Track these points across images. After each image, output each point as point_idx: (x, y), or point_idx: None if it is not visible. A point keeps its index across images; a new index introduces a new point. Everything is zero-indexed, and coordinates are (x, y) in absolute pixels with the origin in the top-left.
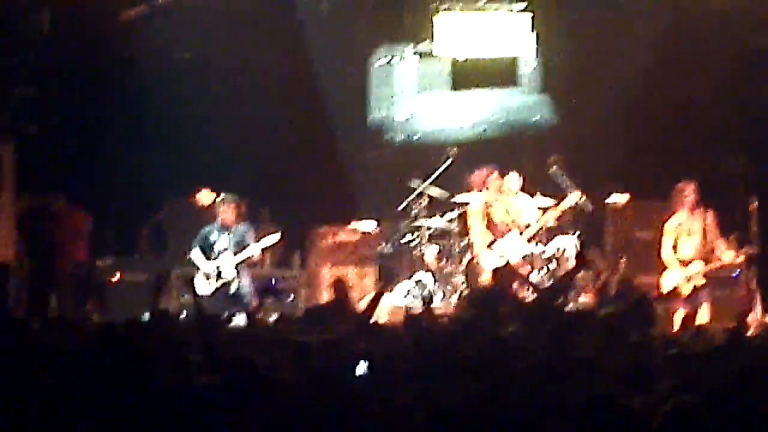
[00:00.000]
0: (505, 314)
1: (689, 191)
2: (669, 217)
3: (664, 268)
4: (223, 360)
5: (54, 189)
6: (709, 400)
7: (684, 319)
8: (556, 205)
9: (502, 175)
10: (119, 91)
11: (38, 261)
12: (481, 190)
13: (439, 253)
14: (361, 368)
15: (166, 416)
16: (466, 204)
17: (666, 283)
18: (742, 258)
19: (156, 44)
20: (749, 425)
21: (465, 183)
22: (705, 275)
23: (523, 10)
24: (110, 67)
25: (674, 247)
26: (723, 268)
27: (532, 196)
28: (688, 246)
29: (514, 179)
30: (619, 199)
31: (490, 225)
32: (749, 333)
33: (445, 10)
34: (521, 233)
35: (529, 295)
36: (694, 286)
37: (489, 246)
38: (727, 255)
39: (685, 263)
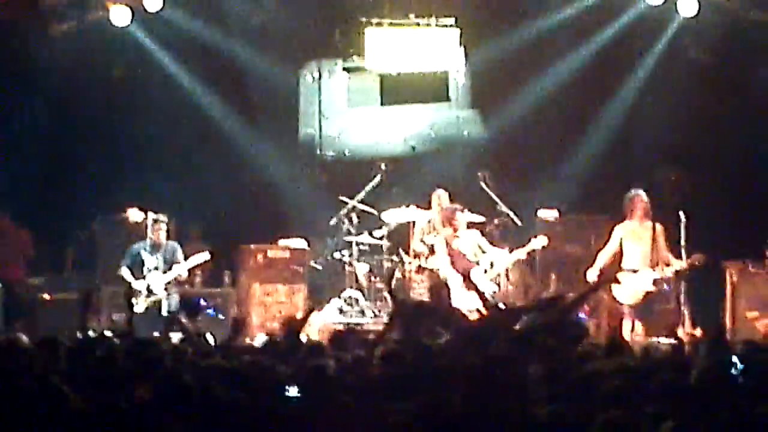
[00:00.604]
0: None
1: (640, 200)
2: (615, 225)
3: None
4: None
5: None
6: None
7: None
8: (522, 246)
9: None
10: (51, 107)
11: None
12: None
13: (369, 270)
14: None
15: None
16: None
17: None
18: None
19: (86, 60)
20: None
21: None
22: (655, 283)
23: (452, 26)
24: (41, 82)
25: (618, 256)
26: (676, 275)
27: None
28: (635, 254)
29: (443, 195)
30: (548, 214)
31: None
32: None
33: (375, 25)
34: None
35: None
36: (645, 294)
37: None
38: (676, 263)
39: (632, 272)
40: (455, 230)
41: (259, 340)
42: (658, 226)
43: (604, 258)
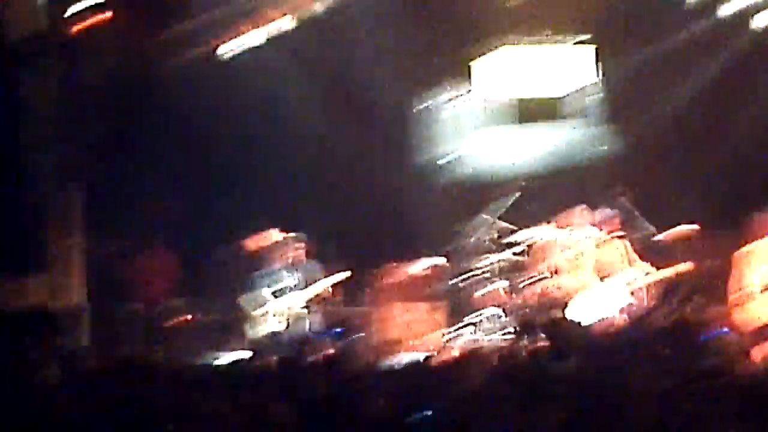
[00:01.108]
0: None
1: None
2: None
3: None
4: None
5: (140, 228)
6: None
7: None
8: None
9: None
10: (191, 133)
11: (113, 302)
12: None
13: (509, 287)
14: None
15: None
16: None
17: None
18: None
19: (202, 91)
20: None
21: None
22: None
23: (586, 42)
24: (172, 111)
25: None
26: None
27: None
28: (759, 277)
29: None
30: (687, 229)
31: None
32: None
33: (509, 44)
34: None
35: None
36: None
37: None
38: None
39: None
40: (609, 233)
41: (402, 359)
42: None
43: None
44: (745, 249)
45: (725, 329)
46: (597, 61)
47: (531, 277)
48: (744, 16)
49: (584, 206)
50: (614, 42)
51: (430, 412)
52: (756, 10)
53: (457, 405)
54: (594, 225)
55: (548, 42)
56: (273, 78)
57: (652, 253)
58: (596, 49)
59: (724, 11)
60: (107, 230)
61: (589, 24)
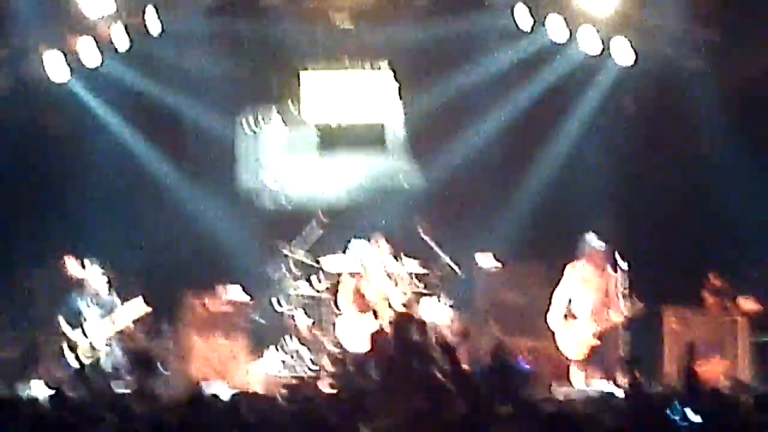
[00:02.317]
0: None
1: (597, 248)
2: (566, 264)
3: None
4: None
5: None
6: None
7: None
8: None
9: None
10: None
11: None
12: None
13: (312, 321)
14: None
15: None
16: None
17: (562, 342)
18: (622, 318)
19: (24, 114)
20: None
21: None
22: (599, 336)
23: (385, 68)
24: None
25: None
26: (611, 327)
27: (398, 260)
28: (585, 302)
29: (383, 245)
30: (487, 261)
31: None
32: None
33: (310, 69)
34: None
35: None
36: (590, 348)
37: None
38: (615, 315)
39: (576, 319)
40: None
41: (210, 389)
42: (613, 275)
43: (560, 299)
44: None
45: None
46: (400, 93)
47: (332, 312)
48: (547, 51)
49: (382, 237)
50: (414, 74)
51: None
52: (560, 44)
53: None
54: (392, 255)
55: (347, 68)
56: (85, 104)
57: (453, 287)
58: (399, 84)
59: (530, 44)
60: None
61: (393, 56)
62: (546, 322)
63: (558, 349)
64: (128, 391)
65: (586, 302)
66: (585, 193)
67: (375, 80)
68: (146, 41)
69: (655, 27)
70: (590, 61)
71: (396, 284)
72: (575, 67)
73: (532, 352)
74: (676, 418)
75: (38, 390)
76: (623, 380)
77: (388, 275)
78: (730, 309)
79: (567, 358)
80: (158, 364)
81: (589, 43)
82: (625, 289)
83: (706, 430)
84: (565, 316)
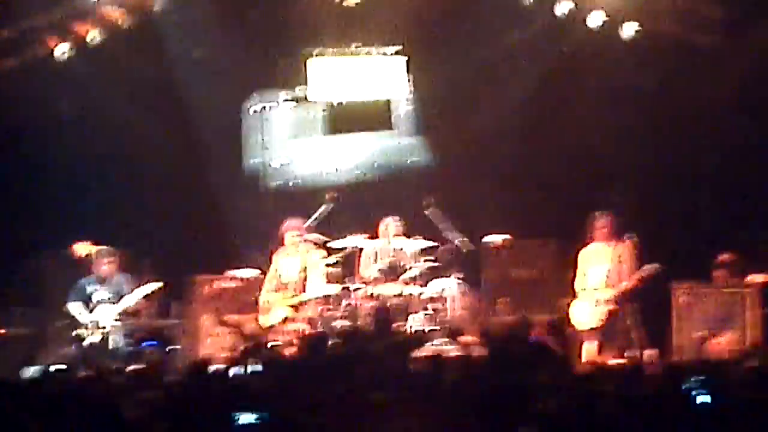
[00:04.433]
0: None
1: (602, 221)
2: (582, 248)
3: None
4: None
5: None
6: None
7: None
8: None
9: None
10: None
11: None
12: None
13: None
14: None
15: None
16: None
17: (576, 314)
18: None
19: (31, 96)
20: None
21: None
22: (613, 302)
23: (397, 54)
24: None
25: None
26: (624, 292)
27: (408, 238)
28: (597, 275)
29: (392, 223)
30: (496, 238)
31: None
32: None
33: (317, 55)
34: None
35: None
36: (607, 314)
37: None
38: (628, 282)
39: (588, 290)
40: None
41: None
42: (624, 246)
43: (576, 275)
44: (584, 250)
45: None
46: (408, 71)
47: (345, 288)
48: (557, 26)
49: (396, 216)
50: (423, 53)
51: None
52: (570, 20)
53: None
54: (405, 235)
55: (360, 53)
56: (98, 84)
57: (462, 264)
58: (407, 59)
59: (540, 23)
60: None
61: (402, 35)
62: (556, 299)
63: (570, 324)
64: (136, 368)
65: (597, 276)
66: (596, 170)
67: (384, 63)
68: (152, 23)
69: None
70: (600, 37)
71: (405, 260)
72: (586, 43)
73: (543, 328)
74: (692, 392)
75: (46, 369)
76: (634, 353)
77: (396, 252)
78: (739, 283)
79: (580, 333)
80: (167, 343)
81: (598, 19)
82: (637, 259)
83: (718, 406)
84: (582, 289)
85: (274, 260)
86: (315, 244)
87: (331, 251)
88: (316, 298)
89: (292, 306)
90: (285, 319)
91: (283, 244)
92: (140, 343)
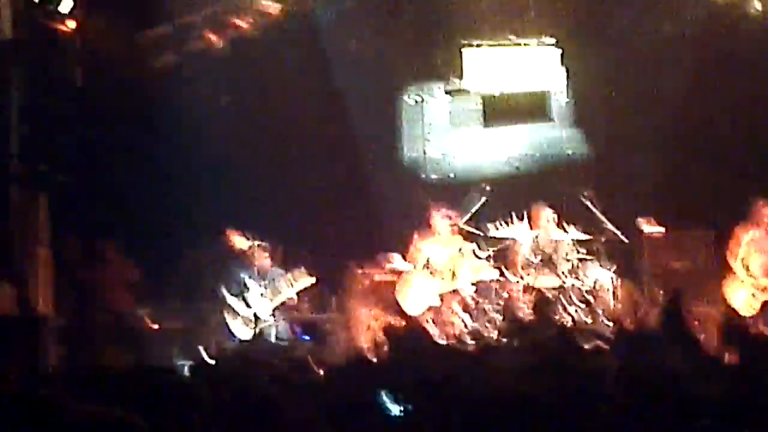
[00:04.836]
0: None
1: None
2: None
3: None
4: None
5: (101, 235)
6: None
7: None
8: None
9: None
10: (152, 136)
11: (80, 310)
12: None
13: (476, 290)
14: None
15: None
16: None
17: (735, 298)
18: None
19: (188, 90)
20: None
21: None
22: None
23: (552, 45)
24: (143, 113)
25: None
26: None
27: (565, 230)
28: (758, 264)
29: (548, 214)
30: (653, 230)
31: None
32: None
33: (474, 46)
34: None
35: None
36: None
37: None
38: None
39: (749, 279)
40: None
41: None
42: None
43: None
44: (747, 236)
45: None
46: (563, 63)
47: (499, 279)
48: (712, 16)
49: (552, 208)
50: (580, 44)
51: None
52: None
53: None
54: (561, 227)
55: (514, 44)
56: (244, 77)
57: (619, 256)
58: (562, 51)
59: (691, 12)
60: (72, 238)
61: (558, 26)
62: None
63: (726, 311)
64: (292, 362)
65: (758, 265)
66: (753, 157)
67: (540, 54)
68: (308, 15)
69: None
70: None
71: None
72: (747, 31)
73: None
74: None
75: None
76: None
77: (553, 243)
78: None
79: (740, 317)
80: (323, 337)
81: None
82: None
83: None
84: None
85: (426, 249)
86: (469, 233)
87: (486, 242)
88: (469, 287)
89: (441, 295)
90: (434, 308)
91: (435, 233)
92: (296, 338)
